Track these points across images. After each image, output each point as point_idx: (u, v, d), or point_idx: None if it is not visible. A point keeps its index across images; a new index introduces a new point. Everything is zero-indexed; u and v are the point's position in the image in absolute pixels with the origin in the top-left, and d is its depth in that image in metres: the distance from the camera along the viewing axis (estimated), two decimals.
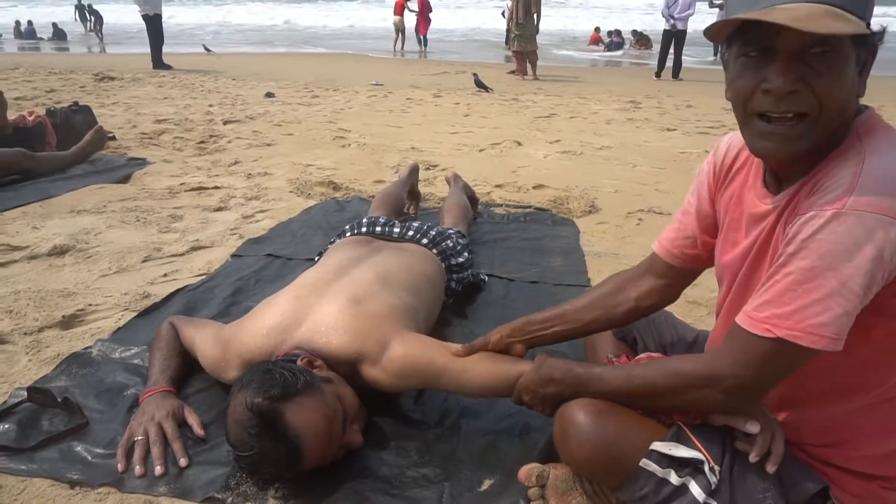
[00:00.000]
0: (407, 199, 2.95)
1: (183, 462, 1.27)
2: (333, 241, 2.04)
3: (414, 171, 3.01)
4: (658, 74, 11.05)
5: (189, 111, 6.57)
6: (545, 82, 10.31)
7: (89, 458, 1.29)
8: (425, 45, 14.90)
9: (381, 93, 8.65)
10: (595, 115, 7.06)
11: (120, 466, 1.26)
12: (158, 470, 1.25)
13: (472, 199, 3.05)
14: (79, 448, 1.31)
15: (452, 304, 2.01)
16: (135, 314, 1.90)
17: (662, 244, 1.28)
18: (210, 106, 6.97)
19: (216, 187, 3.47)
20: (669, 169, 4.37)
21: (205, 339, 1.51)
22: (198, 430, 1.35)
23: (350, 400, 1.30)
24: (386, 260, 1.71)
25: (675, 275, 1.27)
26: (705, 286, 1.93)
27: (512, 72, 11.13)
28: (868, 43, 0.89)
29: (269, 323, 1.42)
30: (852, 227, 0.82)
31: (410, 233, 1.97)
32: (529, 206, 3.25)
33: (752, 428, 0.97)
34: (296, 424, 1.15)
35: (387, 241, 1.92)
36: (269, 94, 8.07)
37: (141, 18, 10.56)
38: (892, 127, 0.94)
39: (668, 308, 1.39)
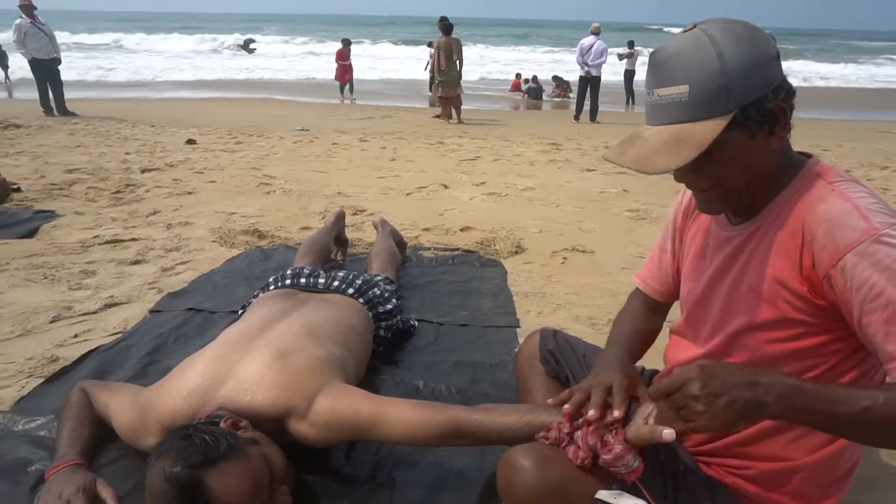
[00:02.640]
0: (334, 245, 2.92)
1: None
2: (257, 295, 1.99)
3: (340, 217, 3.00)
4: (577, 118, 11.59)
5: (104, 160, 6.31)
6: (470, 126, 10.58)
7: None
8: (351, 90, 15.04)
9: (307, 138, 8.62)
10: (518, 157, 7.30)
11: None
12: None
13: (400, 243, 3.07)
14: None
15: (382, 352, 1.99)
16: (41, 380, 1.77)
17: (647, 282, 1.35)
18: (127, 154, 6.73)
19: (133, 239, 3.32)
20: (590, 208, 4.55)
21: (120, 404, 1.42)
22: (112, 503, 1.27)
23: (277, 460, 1.26)
24: (311, 313, 1.68)
25: (663, 305, 1.36)
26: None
27: (437, 116, 11.38)
28: (753, 117, 0.94)
29: (189, 384, 1.36)
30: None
31: (336, 283, 1.95)
32: (457, 249, 3.29)
33: (669, 436, 0.94)
34: (219, 492, 1.10)
35: (312, 293, 1.90)
36: (190, 141, 7.88)
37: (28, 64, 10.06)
38: (834, 167, 1.04)
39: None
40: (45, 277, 2.63)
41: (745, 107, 0.94)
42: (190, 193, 4.69)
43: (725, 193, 1.01)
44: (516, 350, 1.98)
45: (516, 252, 3.32)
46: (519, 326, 2.30)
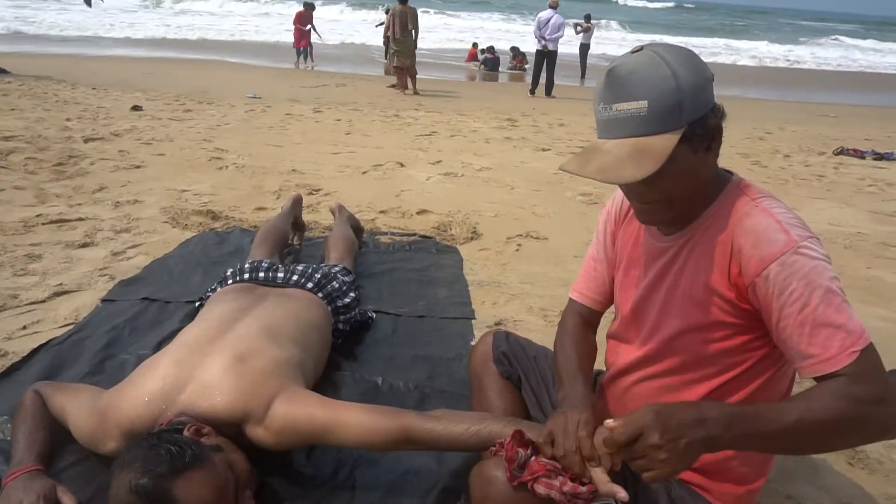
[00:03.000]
0: (291, 230, 2.92)
1: None
2: (215, 289, 1.99)
3: (297, 202, 2.98)
4: (532, 92, 11.64)
5: (42, 126, 6.01)
6: (425, 97, 10.50)
7: None
8: (308, 58, 14.60)
9: (260, 107, 8.40)
10: (474, 134, 7.32)
11: None
12: None
13: (357, 228, 3.08)
14: None
15: (341, 345, 2.03)
16: None
17: (585, 294, 1.40)
18: (67, 120, 6.42)
19: (80, 219, 3.22)
20: (545, 191, 4.64)
21: (78, 408, 1.42)
22: None
23: (241, 466, 1.29)
24: (271, 310, 1.70)
25: (600, 315, 1.43)
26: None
27: (392, 85, 11.23)
28: (698, 133, 1.04)
29: (149, 389, 1.37)
30: (814, 250, 0.98)
31: (295, 277, 1.97)
32: (414, 234, 3.33)
33: (625, 498, 0.98)
34: (186, 501, 1.13)
35: (271, 288, 1.91)
36: (136, 108, 7.56)
37: None
38: (755, 185, 1.14)
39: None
40: None
41: (693, 123, 1.02)
42: (138, 167, 4.54)
43: (668, 205, 1.09)
44: (472, 344, 2.07)
45: (472, 238, 3.38)
46: (474, 318, 2.37)
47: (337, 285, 2.06)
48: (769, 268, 0.98)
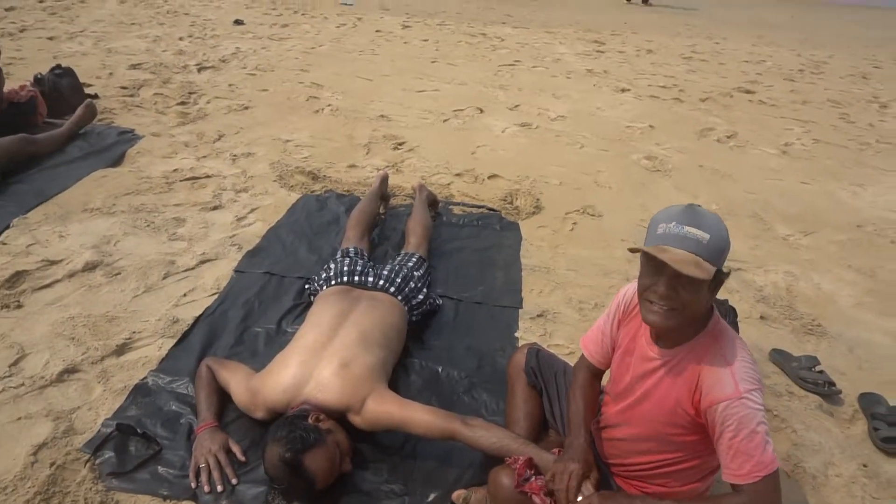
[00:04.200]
0: (379, 201, 3.50)
1: (234, 481, 1.93)
2: (320, 285, 2.61)
3: (384, 180, 3.54)
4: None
5: (160, 47, 6.66)
6: None
7: (170, 478, 1.93)
8: None
9: (350, 21, 8.67)
10: (556, 65, 7.40)
11: (193, 485, 1.91)
12: (220, 488, 1.90)
13: (434, 202, 3.63)
14: (161, 470, 1.95)
15: (410, 331, 2.62)
16: (171, 341, 2.48)
17: (593, 356, 1.89)
18: (180, 40, 7.04)
19: (207, 175, 3.90)
20: (612, 151, 4.92)
21: (237, 384, 2.12)
22: (241, 457, 2.00)
23: (344, 441, 1.96)
24: (364, 316, 2.31)
25: (604, 371, 1.95)
26: None
27: None
28: (717, 279, 1.50)
29: (283, 383, 2.04)
30: (752, 402, 1.45)
31: (381, 282, 2.56)
32: (483, 207, 3.82)
33: None
34: (311, 468, 1.81)
35: (363, 291, 2.51)
36: (237, 22, 8.06)
37: None
38: (729, 328, 1.60)
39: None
40: (148, 225, 3.27)
41: (719, 268, 1.48)
42: (246, 108, 5.15)
43: (680, 315, 1.52)
44: (515, 335, 2.65)
45: (534, 212, 3.82)
46: (521, 307, 2.91)
47: (413, 284, 2.64)
48: (717, 405, 1.47)
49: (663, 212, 1.51)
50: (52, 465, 1.89)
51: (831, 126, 6.00)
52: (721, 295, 2.96)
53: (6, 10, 7.56)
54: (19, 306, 2.59)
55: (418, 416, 1.96)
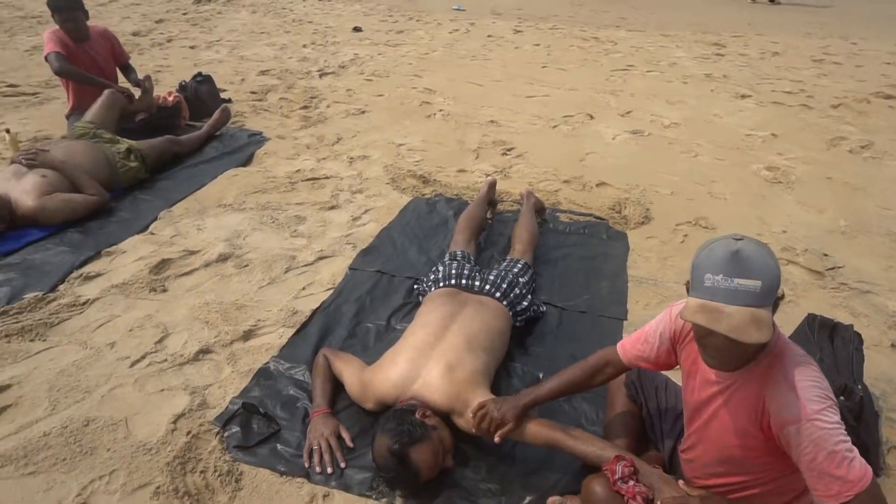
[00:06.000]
0: (487, 207, 3.58)
1: (343, 465, 2.07)
2: (428, 286, 2.71)
3: (492, 186, 3.61)
4: None
5: (286, 54, 7.12)
6: None
7: (287, 456, 2.11)
8: None
9: (463, 26, 8.83)
10: (672, 69, 7.15)
11: (306, 465, 2.07)
12: (329, 470, 2.05)
13: (541, 209, 3.65)
14: (279, 448, 2.13)
15: (513, 336, 2.67)
16: (290, 330, 2.68)
17: (627, 355, 1.89)
18: (304, 47, 7.49)
19: (326, 177, 4.15)
20: (728, 161, 4.70)
21: (350, 375, 2.27)
22: (350, 443, 2.14)
23: (447, 438, 2.05)
24: (471, 320, 2.38)
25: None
26: None
27: None
28: (775, 304, 1.45)
29: (393, 378, 2.16)
30: (823, 422, 1.40)
31: (487, 287, 2.62)
32: (590, 215, 3.79)
33: None
34: (416, 461, 1.91)
35: (470, 294, 2.59)
36: (356, 29, 8.46)
37: None
38: (791, 344, 1.54)
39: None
40: (273, 221, 3.54)
41: (776, 299, 1.44)
42: (363, 112, 5.40)
43: (741, 360, 1.51)
44: None
45: (643, 223, 3.74)
46: (626, 319, 2.87)
47: (518, 290, 2.68)
48: (788, 428, 1.43)
49: (705, 254, 1.44)
50: (188, 433, 2.12)
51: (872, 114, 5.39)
52: (847, 319, 2.79)
53: (156, 22, 8.38)
54: (164, 290, 2.90)
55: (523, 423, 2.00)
